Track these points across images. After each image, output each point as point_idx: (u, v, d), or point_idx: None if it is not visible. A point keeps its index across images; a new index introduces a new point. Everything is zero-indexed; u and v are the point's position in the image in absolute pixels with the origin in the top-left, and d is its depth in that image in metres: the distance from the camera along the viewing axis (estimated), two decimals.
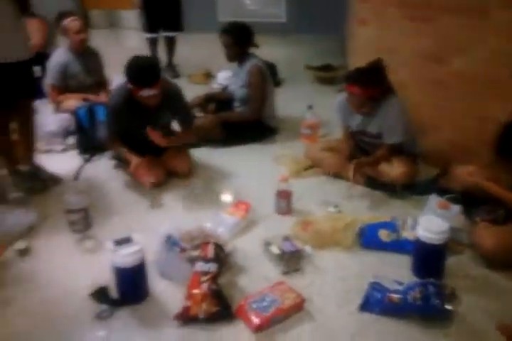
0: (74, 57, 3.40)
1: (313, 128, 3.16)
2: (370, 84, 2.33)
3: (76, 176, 2.80)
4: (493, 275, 1.93)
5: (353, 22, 3.24)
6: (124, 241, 1.75)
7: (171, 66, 5.05)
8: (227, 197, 2.47)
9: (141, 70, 2.39)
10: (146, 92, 2.37)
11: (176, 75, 4.89)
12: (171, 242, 1.95)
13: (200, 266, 1.78)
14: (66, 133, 3.22)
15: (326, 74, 4.56)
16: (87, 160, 2.99)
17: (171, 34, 4.90)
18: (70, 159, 3.05)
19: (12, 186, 2.53)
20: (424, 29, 2.60)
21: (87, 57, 3.48)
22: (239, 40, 3.22)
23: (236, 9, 6.83)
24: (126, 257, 1.72)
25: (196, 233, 2.02)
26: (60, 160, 3.01)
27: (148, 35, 4.89)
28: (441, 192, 2.26)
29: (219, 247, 1.87)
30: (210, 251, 1.83)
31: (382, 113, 2.43)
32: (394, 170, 2.45)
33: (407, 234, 2.07)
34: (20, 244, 2.12)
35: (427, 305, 1.65)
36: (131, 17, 7.12)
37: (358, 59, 2.58)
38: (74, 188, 2.16)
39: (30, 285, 1.93)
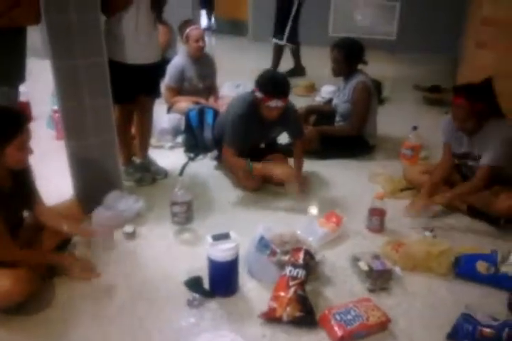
0: (191, 62, 3.66)
1: (414, 150, 3.10)
2: (477, 98, 2.27)
3: (181, 172, 3.02)
4: None
5: (471, 44, 3.14)
6: (222, 237, 1.87)
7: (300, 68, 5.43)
8: (313, 210, 2.51)
9: (278, 82, 2.53)
10: (275, 103, 2.49)
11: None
12: (262, 244, 2.03)
13: (290, 271, 1.84)
14: (175, 132, 3.48)
15: (433, 96, 4.43)
16: (191, 159, 3.20)
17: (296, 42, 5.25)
18: (177, 156, 3.28)
19: (125, 175, 2.79)
20: None
21: (203, 63, 3.73)
22: (349, 55, 3.25)
23: (347, 25, 6.86)
24: (222, 252, 1.83)
25: (288, 238, 2.09)
26: (167, 157, 3.25)
27: (280, 42, 5.17)
28: None
29: (310, 255, 1.91)
30: (301, 258, 1.88)
31: (488, 134, 2.33)
32: (500, 201, 2.32)
33: (506, 269, 1.97)
34: (128, 228, 2.33)
35: None
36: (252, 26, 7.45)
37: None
38: (181, 182, 2.33)
39: (134, 265, 2.13)
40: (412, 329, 1.76)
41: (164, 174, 2.96)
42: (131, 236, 2.33)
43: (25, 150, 1.81)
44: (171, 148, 3.41)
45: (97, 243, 2.17)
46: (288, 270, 1.85)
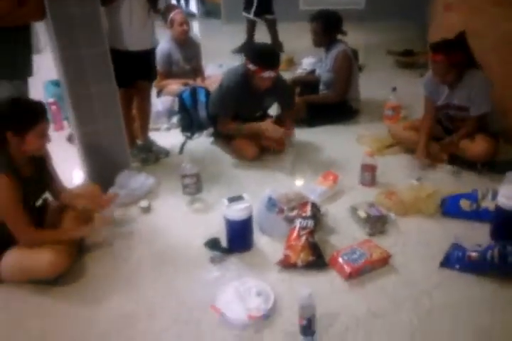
0: (176, 46, 3.80)
1: (395, 110, 3.34)
2: (453, 51, 2.49)
3: (181, 150, 3.21)
4: None
5: (439, 7, 3.35)
6: (236, 199, 2.09)
7: (277, 44, 5.51)
8: (299, 182, 2.74)
9: (270, 54, 2.74)
10: (267, 74, 2.68)
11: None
12: (271, 203, 2.25)
13: (300, 222, 2.07)
14: (170, 114, 3.65)
15: (407, 59, 4.66)
16: (188, 137, 3.38)
17: (270, 17, 5.38)
18: (173, 136, 3.46)
19: (131, 157, 2.96)
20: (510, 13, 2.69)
21: (188, 46, 3.87)
22: (328, 27, 3.43)
23: None
24: (238, 211, 2.06)
25: (293, 196, 2.32)
26: (165, 137, 3.42)
27: (248, 16, 5.36)
28: None
29: (316, 207, 2.15)
30: (309, 210, 2.11)
31: (468, 84, 2.56)
32: (476, 146, 2.59)
33: (486, 204, 2.24)
34: (143, 203, 2.53)
35: (505, 263, 1.83)
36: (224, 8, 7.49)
37: None
38: (188, 157, 2.53)
39: (154, 235, 2.34)
40: (409, 262, 2.02)
41: (166, 153, 3.15)
42: (147, 210, 2.53)
43: (44, 137, 1.97)
44: (167, 129, 3.59)
45: (118, 219, 2.37)
46: (298, 222, 2.08)
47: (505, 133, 2.77)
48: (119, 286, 2.00)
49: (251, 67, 2.70)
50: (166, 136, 3.47)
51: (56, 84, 3.56)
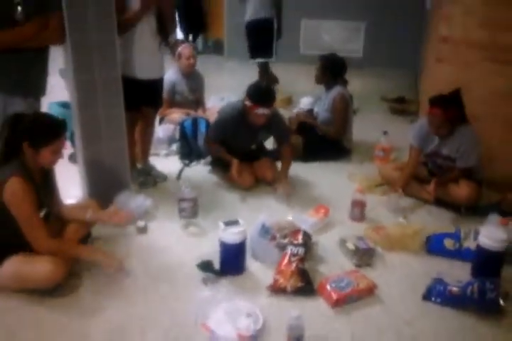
0: (181, 77, 3.99)
1: (386, 151, 3.52)
2: (450, 107, 2.68)
3: (179, 176, 3.32)
4: None
5: (431, 59, 3.61)
6: (232, 223, 2.19)
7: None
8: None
9: (265, 92, 2.93)
10: (261, 111, 2.86)
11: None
12: (264, 230, 2.35)
13: (291, 249, 2.17)
14: (170, 141, 3.78)
15: (399, 106, 4.91)
16: (186, 165, 3.50)
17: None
18: (172, 163, 3.57)
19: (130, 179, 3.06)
20: (502, 71, 2.93)
21: (193, 78, 4.07)
22: (334, 67, 3.67)
23: (317, 44, 7.36)
24: (233, 235, 2.15)
25: (285, 224, 2.42)
26: (163, 163, 3.53)
27: (262, 60, 5.54)
28: (503, 214, 2.54)
29: (307, 235, 2.26)
30: (300, 238, 2.21)
31: (459, 137, 2.75)
32: (461, 190, 2.74)
33: (468, 244, 2.36)
34: (140, 223, 2.61)
35: (483, 299, 1.93)
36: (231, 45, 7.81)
37: (432, 94, 2.92)
38: (187, 182, 2.64)
39: (149, 255, 2.41)
40: (393, 294, 2.12)
41: (164, 178, 3.26)
42: (144, 230, 2.60)
43: (58, 154, 2.08)
44: (166, 155, 3.71)
45: (115, 237, 2.44)
46: (289, 248, 2.18)
47: (488, 179, 2.94)
48: (112, 301, 2.05)
49: (247, 103, 2.89)
50: (165, 162, 3.57)
51: (62, 105, 3.70)
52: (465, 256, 2.33)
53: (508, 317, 1.97)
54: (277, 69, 5.91)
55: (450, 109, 2.69)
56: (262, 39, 5.34)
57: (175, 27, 2.96)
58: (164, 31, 2.78)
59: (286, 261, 2.13)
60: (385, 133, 3.57)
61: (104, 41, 2.44)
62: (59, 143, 2.04)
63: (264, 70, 5.65)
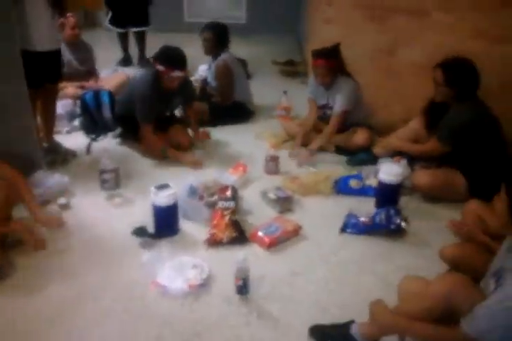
0: (66, 48, 3.79)
1: (287, 110, 3.77)
2: (330, 58, 3.01)
3: (87, 151, 3.25)
4: (432, 207, 2.63)
5: (318, 21, 3.88)
6: (163, 187, 2.27)
7: (143, 59, 5.38)
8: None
9: (178, 55, 2.94)
10: (177, 73, 2.88)
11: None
12: (191, 191, 2.47)
13: (222, 204, 2.33)
14: (70, 117, 3.64)
15: (289, 68, 5.19)
16: (93, 139, 3.42)
17: (139, 29, 5.26)
18: (76, 139, 3.46)
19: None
20: (380, 28, 3.28)
21: (80, 49, 3.91)
22: (219, 36, 3.77)
23: (201, 11, 7.33)
24: (165, 198, 2.24)
25: (210, 184, 2.56)
26: (66, 140, 3.41)
27: (119, 30, 5.22)
28: (375, 158, 2.98)
29: (234, 190, 2.42)
30: (229, 193, 2.38)
31: (338, 87, 3.08)
32: (358, 138, 3.11)
33: (370, 182, 2.72)
34: (62, 200, 2.57)
35: (390, 223, 2.29)
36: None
37: None
38: (106, 153, 2.62)
39: (78, 228, 2.40)
40: (315, 231, 2.40)
41: (73, 154, 3.17)
42: (66, 206, 2.56)
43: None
44: (69, 132, 3.57)
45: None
46: (220, 204, 2.33)
47: (376, 126, 3.34)
48: (54, 276, 2.06)
49: (160, 68, 2.90)
50: (69, 139, 3.45)
51: None
52: (368, 192, 2.69)
53: (410, 236, 2.36)
54: (161, 38, 5.79)
55: (330, 59, 3.01)
56: (135, 7, 5.04)
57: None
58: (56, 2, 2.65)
59: (219, 215, 2.29)
60: (285, 92, 3.81)
61: None
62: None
63: (124, 40, 5.32)
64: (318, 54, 3.02)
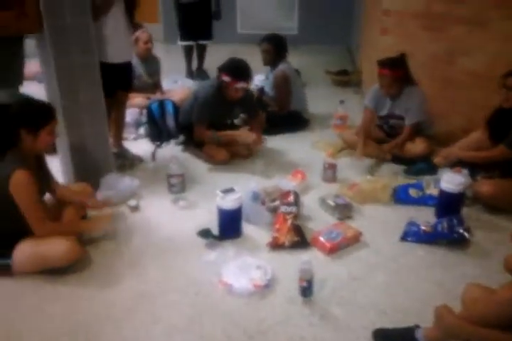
0: (139, 61, 4.04)
1: (343, 119, 3.83)
2: (397, 68, 3.03)
3: (153, 157, 3.43)
4: (494, 218, 2.60)
5: (374, 31, 3.94)
6: (228, 191, 2.39)
7: (201, 70, 5.68)
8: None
9: (244, 67, 3.10)
10: (241, 85, 3.04)
11: (207, 78, 5.53)
12: (254, 196, 2.57)
13: (285, 209, 2.41)
14: (137, 125, 3.86)
15: (343, 78, 5.24)
16: (158, 146, 3.61)
17: (203, 42, 5.55)
18: (142, 145, 3.67)
19: None
20: (437, 37, 3.30)
21: (150, 62, 4.14)
22: (279, 48, 3.90)
23: (253, 22, 7.53)
24: (231, 201, 2.35)
25: (271, 189, 2.65)
26: (134, 147, 3.61)
27: (184, 43, 5.49)
28: (434, 167, 2.96)
29: (296, 195, 2.51)
30: (291, 198, 2.46)
31: (406, 97, 3.10)
32: (417, 147, 3.11)
33: (430, 192, 2.73)
34: (132, 202, 2.74)
35: (453, 232, 2.29)
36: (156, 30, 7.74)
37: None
38: (174, 159, 2.78)
39: (147, 229, 2.55)
40: (376, 238, 2.44)
41: (140, 160, 3.36)
42: (136, 208, 2.73)
43: (54, 135, 2.16)
44: (135, 139, 3.79)
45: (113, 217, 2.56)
46: (283, 208, 2.42)
47: (434, 136, 3.33)
48: (126, 272, 2.20)
49: (226, 79, 3.05)
50: (135, 145, 3.66)
51: None
52: (428, 202, 2.70)
53: (472, 247, 2.35)
54: (216, 49, 6.01)
55: (397, 69, 3.03)
56: (199, 21, 5.27)
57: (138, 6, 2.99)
58: (131, 11, 2.86)
59: (281, 219, 2.38)
60: (342, 102, 3.87)
61: (80, 26, 2.49)
62: (53, 124, 2.11)
63: (189, 53, 5.55)
64: (384, 64, 3.05)
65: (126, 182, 2.84)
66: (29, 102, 2.12)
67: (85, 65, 2.58)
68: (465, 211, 2.61)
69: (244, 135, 3.18)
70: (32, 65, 3.25)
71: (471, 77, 3.24)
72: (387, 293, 2.05)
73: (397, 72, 3.02)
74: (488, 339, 1.49)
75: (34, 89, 2.96)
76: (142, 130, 3.83)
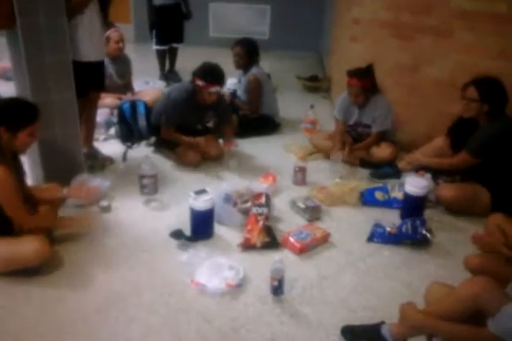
0: (110, 61, 4.01)
1: (313, 123, 3.92)
2: (365, 78, 3.14)
3: (124, 158, 3.42)
4: (455, 219, 2.73)
5: (344, 39, 4.06)
6: (201, 192, 2.42)
7: (173, 72, 5.67)
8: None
9: (218, 71, 3.14)
10: (215, 88, 3.07)
11: (179, 80, 5.53)
12: (226, 197, 2.61)
13: (256, 210, 2.46)
14: (107, 125, 3.83)
15: (313, 84, 5.35)
16: (129, 147, 3.59)
17: (176, 45, 5.54)
18: (112, 146, 3.64)
19: None
20: (405, 46, 3.44)
21: (121, 62, 4.11)
22: (249, 51, 3.96)
23: (225, 26, 7.58)
24: (203, 202, 2.38)
25: (243, 191, 2.70)
26: (104, 147, 3.59)
27: (160, 47, 5.45)
28: (399, 172, 3.09)
29: (268, 197, 2.56)
30: (263, 199, 2.51)
31: (373, 105, 3.22)
32: (383, 152, 3.23)
33: (395, 195, 2.84)
34: (103, 202, 2.73)
35: (416, 233, 2.40)
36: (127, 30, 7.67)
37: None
38: (146, 159, 2.79)
39: (120, 229, 2.56)
40: (344, 239, 2.52)
41: (111, 161, 3.34)
42: (108, 209, 2.72)
43: (34, 137, 2.14)
44: (105, 139, 3.76)
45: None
46: (255, 209, 2.47)
47: (399, 142, 3.46)
48: (98, 272, 2.20)
49: (200, 83, 3.08)
50: (105, 146, 3.62)
51: None
52: (393, 204, 2.81)
53: (433, 247, 2.47)
54: (187, 52, 6.03)
55: (365, 80, 3.15)
56: (173, 25, 5.24)
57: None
58: (106, 9, 2.85)
59: (253, 220, 2.42)
60: (312, 106, 3.96)
61: (54, 24, 2.47)
62: (35, 126, 2.10)
63: (163, 57, 5.51)
64: (353, 74, 3.15)
65: (96, 182, 2.82)
66: (15, 101, 2.12)
67: (58, 63, 2.56)
68: (428, 213, 2.73)
69: (206, 143, 3.24)
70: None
71: (434, 85, 3.40)
72: (355, 291, 2.13)
73: (364, 82, 3.13)
74: (451, 332, 1.58)
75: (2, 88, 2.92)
76: (113, 130, 3.80)
